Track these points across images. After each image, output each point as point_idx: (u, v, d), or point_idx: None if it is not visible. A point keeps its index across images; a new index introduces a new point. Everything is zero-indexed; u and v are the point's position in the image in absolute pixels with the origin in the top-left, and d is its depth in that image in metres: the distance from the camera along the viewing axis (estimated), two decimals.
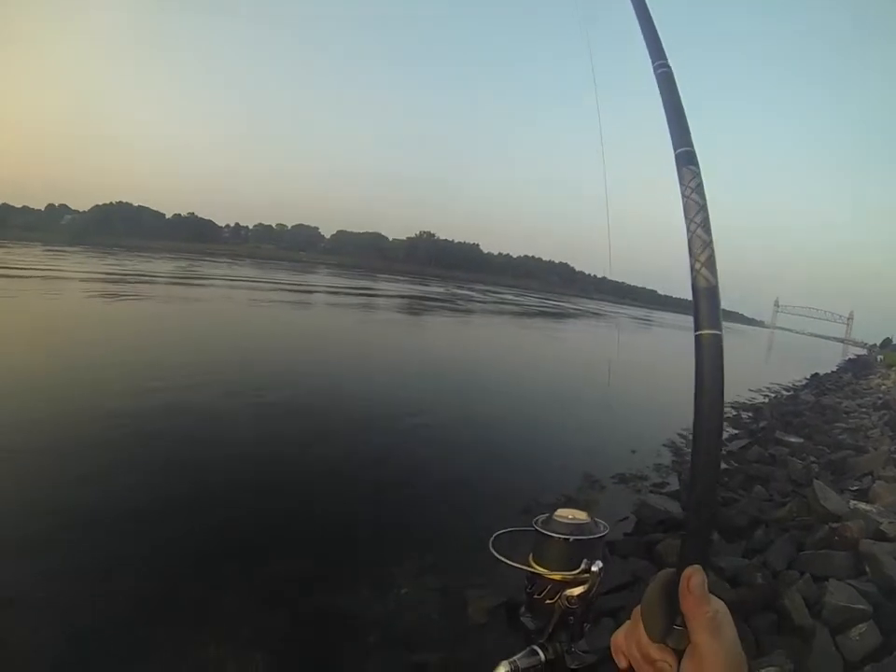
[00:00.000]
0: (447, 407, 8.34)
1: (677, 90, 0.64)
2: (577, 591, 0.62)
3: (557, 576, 0.63)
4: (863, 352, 79.16)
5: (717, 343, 0.52)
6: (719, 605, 0.49)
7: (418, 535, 4.39)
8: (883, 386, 19.33)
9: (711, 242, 0.54)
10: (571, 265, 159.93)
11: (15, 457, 4.80)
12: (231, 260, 62.63)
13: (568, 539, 0.63)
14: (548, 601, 0.63)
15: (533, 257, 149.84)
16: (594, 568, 0.62)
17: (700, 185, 0.56)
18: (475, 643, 3.24)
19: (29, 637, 2.83)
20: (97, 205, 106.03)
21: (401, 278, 64.18)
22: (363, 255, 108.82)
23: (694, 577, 0.48)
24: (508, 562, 0.65)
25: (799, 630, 3.15)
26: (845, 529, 3.91)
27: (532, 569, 0.65)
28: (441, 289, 50.87)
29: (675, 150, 0.60)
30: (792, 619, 3.26)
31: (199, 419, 6.35)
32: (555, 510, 0.67)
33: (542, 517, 0.67)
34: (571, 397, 10.77)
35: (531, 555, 0.66)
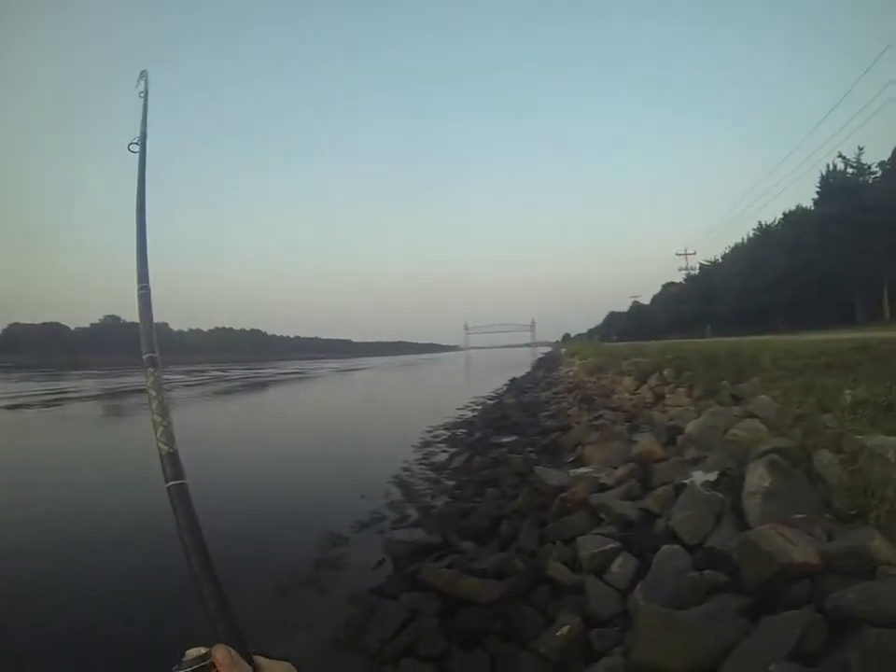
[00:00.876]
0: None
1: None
2: None
3: None
4: (550, 349, 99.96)
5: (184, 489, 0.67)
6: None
7: None
8: (570, 372, 23.15)
9: None
10: (263, 330, 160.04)
11: None
12: None
13: None
14: None
15: (225, 327, 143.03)
16: None
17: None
18: None
19: None
20: None
21: (94, 372, 50.18)
22: (44, 351, 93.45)
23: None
24: None
25: (572, 588, 3.42)
26: (573, 494, 4.55)
27: None
28: (143, 378, 41.47)
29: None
30: (562, 582, 3.52)
31: None
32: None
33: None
34: (283, 465, 9.76)
35: None
